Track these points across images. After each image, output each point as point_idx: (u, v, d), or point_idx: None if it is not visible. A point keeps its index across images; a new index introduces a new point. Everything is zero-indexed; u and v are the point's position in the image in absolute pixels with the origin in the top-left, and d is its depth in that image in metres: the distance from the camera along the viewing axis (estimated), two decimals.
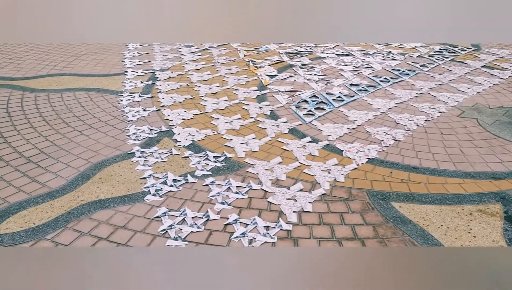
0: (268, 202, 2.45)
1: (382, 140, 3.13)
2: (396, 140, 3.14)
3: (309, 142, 3.11)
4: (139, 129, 3.30)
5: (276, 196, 2.48)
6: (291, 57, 5.15)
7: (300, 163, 2.84)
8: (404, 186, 2.58)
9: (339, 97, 3.91)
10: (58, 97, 4.00)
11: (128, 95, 3.98)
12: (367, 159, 2.88)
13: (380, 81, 4.32)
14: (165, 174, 2.69)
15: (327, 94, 3.97)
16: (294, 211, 2.36)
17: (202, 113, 3.61)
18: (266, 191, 2.54)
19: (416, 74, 4.54)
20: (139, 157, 2.91)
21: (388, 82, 4.30)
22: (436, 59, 5.06)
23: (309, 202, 2.43)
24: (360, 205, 2.41)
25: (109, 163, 2.86)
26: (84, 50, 5.55)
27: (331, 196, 2.50)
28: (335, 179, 2.66)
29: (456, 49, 5.44)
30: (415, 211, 2.36)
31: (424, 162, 2.85)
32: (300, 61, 4.98)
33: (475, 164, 2.83)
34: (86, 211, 2.37)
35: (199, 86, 4.21)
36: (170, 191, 2.55)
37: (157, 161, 2.86)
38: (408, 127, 3.33)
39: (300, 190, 2.55)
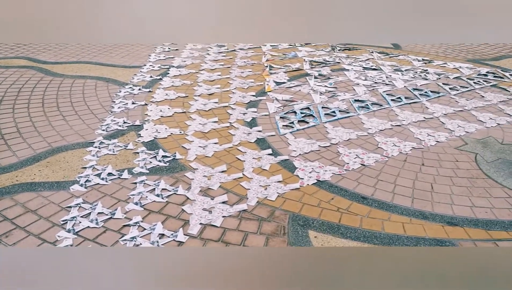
0: (182, 209, 2.34)
1: (347, 163, 2.84)
2: (364, 165, 2.84)
3: (269, 154, 2.93)
4: (114, 121, 3.37)
5: (195, 205, 2.37)
6: (313, 66, 4.92)
7: (243, 174, 2.68)
8: (336, 216, 2.32)
9: (333, 112, 3.64)
10: (69, 83, 4.24)
11: (129, 88, 4.09)
12: (316, 181, 2.64)
13: (392, 100, 3.94)
14: (104, 167, 2.71)
15: (322, 107, 3.72)
16: (200, 223, 2.24)
17: (184, 112, 3.59)
18: (188, 198, 2.44)
19: (438, 96, 4.07)
20: (95, 147, 2.96)
21: (400, 102, 3.91)
22: (475, 82, 4.50)
23: (223, 217, 2.29)
24: (272, 228, 2.21)
25: (66, 149, 2.95)
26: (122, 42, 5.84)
27: (251, 213, 2.33)
28: (267, 196, 2.46)
29: (507, 74, 4.79)
30: (329, 245, 2.10)
31: (379, 193, 2.53)
32: (319, 71, 4.74)
33: (438, 204, 2.45)
34: (13, 191, 2.47)
35: (201, 86, 4.19)
36: (98, 183, 2.56)
37: (107, 153, 2.90)
38: (387, 153, 2.99)
39: (223, 202, 2.40)
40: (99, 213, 2.29)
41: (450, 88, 4.29)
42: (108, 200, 2.42)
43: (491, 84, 4.47)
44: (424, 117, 3.60)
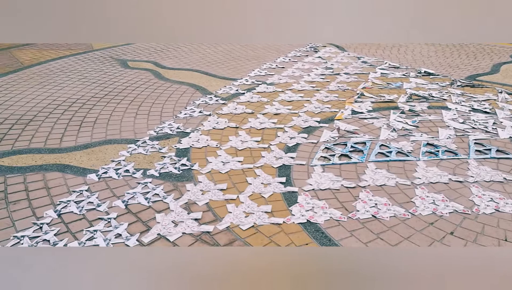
0: (155, 217, 2.43)
1: (357, 211, 2.52)
2: (375, 217, 2.47)
3: (280, 182, 2.80)
4: (170, 125, 3.66)
5: (168, 216, 2.44)
6: (411, 100, 4.42)
7: (237, 197, 2.63)
8: None
9: (389, 152, 3.23)
10: (167, 86, 4.75)
11: (209, 98, 4.36)
12: (306, 221, 2.41)
13: (476, 151, 3.29)
14: (126, 164, 2.98)
15: (380, 145, 3.34)
16: (158, 234, 2.29)
17: (237, 127, 3.66)
18: (169, 207, 2.52)
19: None
20: (136, 145, 3.28)
21: (485, 155, 3.23)
22: None
23: (182, 233, 2.30)
24: None
25: (113, 142, 3.34)
26: (251, 55, 6.23)
27: (211, 236, 2.28)
28: (240, 225, 2.37)
29: None
30: None
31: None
32: (413, 106, 4.24)
33: None
34: (49, 169, 2.93)
35: (274, 105, 4.20)
36: (111, 177, 2.83)
37: (140, 153, 3.17)
38: (415, 210, 2.53)
39: (195, 219, 2.41)
40: (89, 202, 2.53)
41: None
42: (107, 193, 2.65)
43: None
44: (505, 178, 2.89)
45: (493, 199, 2.64)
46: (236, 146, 3.28)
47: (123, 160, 3.03)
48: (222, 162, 3.03)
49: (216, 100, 4.29)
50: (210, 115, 3.90)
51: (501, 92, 4.66)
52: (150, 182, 2.75)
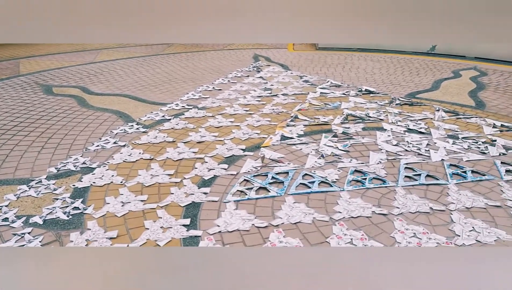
0: None
1: None
2: None
3: (184, 225, 2.45)
4: (76, 160, 3.26)
5: None
6: (346, 121, 4.19)
7: (127, 246, 2.25)
8: None
9: (312, 182, 2.94)
10: (89, 115, 4.35)
11: (129, 126, 4.00)
12: None
13: (406, 176, 3.05)
14: (8, 211, 2.57)
15: (303, 175, 3.05)
16: None
17: (151, 158, 3.30)
18: None
19: (480, 179, 3.01)
20: (28, 186, 2.86)
21: (415, 181, 2.99)
22: None
23: None
24: None
25: (2, 184, 2.91)
26: (189, 76, 5.91)
27: None
28: None
29: None
30: None
31: None
32: (348, 128, 4.01)
33: None
34: None
35: (199, 132, 3.87)
36: None
37: (29, 195, 2.76)
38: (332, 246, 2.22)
39: None
40: None
41: (507, 171, 3.15)
42: None
43: None
44: (432, 208, 2.65)
45: (416, 235, 2.38)
46: (143, 182, 2.91)
47: (6, 206, 2.61)
48: (122, 202, 2.66)
49: (137, 128, 3.93)
50: (124, 146, 3.53)
51: (438, 110, 4.51)
52: (29, 233, 2.35)
